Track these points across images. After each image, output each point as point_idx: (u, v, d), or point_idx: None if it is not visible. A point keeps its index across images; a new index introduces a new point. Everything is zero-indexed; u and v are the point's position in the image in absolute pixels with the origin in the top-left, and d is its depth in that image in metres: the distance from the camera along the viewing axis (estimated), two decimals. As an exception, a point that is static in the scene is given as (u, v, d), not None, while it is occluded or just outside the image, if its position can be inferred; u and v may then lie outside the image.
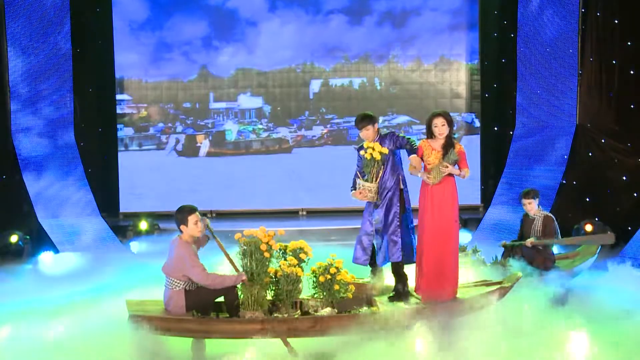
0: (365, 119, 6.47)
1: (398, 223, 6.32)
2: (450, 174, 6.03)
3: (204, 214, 6.24)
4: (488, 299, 5.92)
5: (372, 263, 6.66)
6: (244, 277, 5.74)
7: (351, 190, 6.55)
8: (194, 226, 5.77)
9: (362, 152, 6.34)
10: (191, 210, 5.80)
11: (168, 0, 12.50)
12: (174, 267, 5.70)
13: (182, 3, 12.51)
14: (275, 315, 5.79)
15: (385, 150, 6.33)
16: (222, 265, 6.32)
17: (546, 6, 10.74)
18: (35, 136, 10.77)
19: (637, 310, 6.33)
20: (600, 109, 10.31)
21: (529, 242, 7.28)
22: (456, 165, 6.08)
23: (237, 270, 5.86)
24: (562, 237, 7.65)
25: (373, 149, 6.24)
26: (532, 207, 7.48)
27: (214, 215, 12.42)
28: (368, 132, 6.48)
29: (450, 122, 6.10)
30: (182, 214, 5.78)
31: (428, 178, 6.02)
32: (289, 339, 5.57)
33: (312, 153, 12.76)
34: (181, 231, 5.81)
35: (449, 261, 6.02)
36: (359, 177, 6.51)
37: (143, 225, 10.81)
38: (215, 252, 6.08)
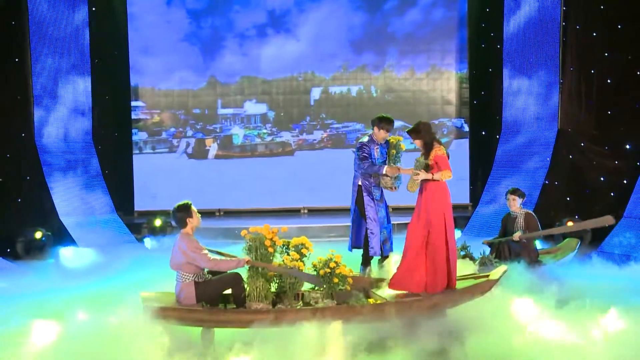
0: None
1: None
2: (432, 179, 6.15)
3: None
4: (476, 291, 5.94)
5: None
6: (247, 260, 5.76)
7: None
8: (197, 217, 5.91)
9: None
10: (189, 204, 5.92)
11: (178, 15, 12.52)
12: (180, 259, 5.74)
13: (192, 17, 12.54)
14: (278, 306, 5.83)
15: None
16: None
17: (530, 19, 10.78)
18: (57, 140, 10.81)
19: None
20: (580, 115, 10.36)
21: (517, 236, 7.27)
22: None
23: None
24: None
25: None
26: (515, 204, 7.57)
27: (222, 213, 12.45)
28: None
29: (418, 135, 6.19)
30: (185, 210, 5.86)
31: (409, 186, 6.37)
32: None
33: (313, 156, 12.77)
34: (185, 225, 5.85)
35: (440, 257, 6.05)
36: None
37: (157, 222, 10.83)
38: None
